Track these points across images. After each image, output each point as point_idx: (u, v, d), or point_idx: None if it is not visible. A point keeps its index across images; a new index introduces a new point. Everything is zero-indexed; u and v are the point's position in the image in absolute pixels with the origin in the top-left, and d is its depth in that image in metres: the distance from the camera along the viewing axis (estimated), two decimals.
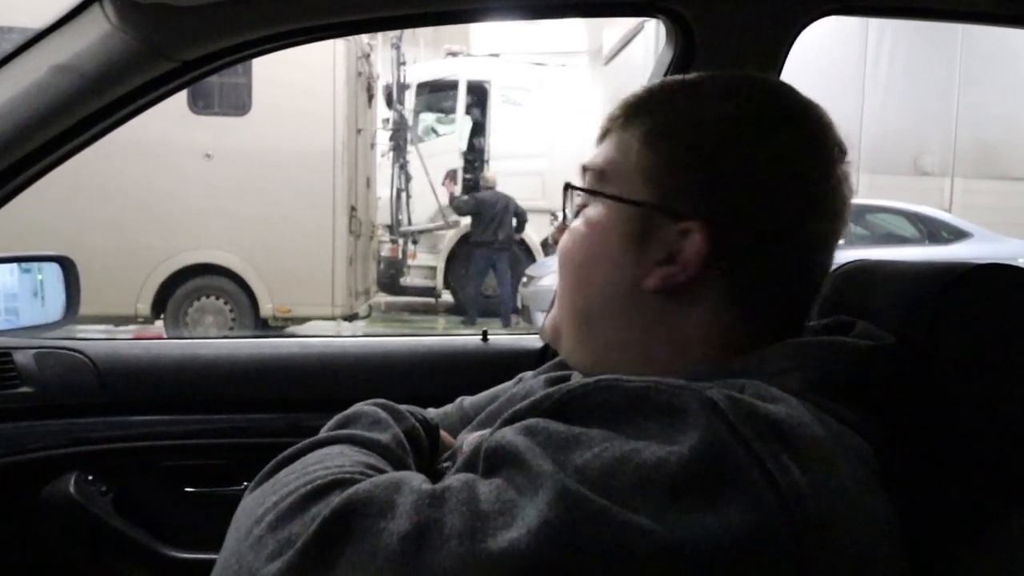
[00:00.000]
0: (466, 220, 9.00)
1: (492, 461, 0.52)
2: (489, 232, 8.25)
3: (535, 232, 9.05)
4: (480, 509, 0.47)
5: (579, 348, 0.70)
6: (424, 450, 0.71)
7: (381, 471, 0.58)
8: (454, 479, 0.51)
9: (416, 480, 0.52)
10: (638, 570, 0.45)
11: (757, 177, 0.64)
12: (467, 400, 0.90)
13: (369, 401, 0.72)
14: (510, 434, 0.52)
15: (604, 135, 0.72)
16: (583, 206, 0.70)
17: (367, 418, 0.68)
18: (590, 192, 0.70)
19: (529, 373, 0.86)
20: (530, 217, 9.01)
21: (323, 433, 0.65)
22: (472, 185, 9.06)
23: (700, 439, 0.48)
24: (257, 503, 0.54)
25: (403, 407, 0.72)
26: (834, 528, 0.49)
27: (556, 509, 0.46)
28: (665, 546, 0.45)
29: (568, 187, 0.71)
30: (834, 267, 0.82)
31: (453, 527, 0.46)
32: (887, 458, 0.57)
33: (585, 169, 0.71)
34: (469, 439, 0.71)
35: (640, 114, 0.69)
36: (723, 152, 0.64)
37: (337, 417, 0.69)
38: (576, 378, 0.74)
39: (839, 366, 0.60)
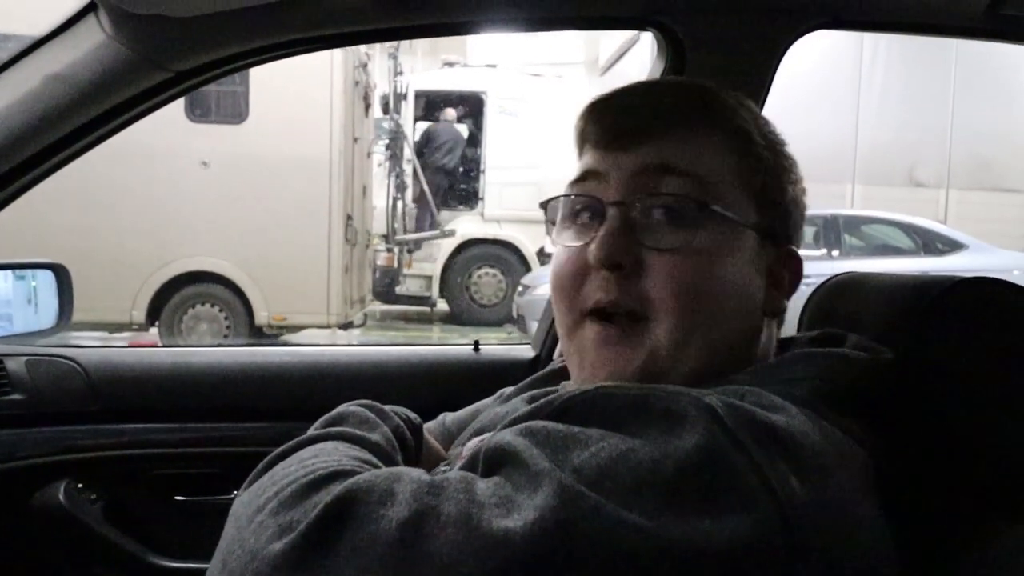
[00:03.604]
0: (461, 230, 9.01)
1: (491, 461, 0.52)
2: (437, 159, 9.05)
3: (530, 241, 9.05)
4: (477, 500, 0.48)
5: (685, 368, 0.63)
6: (410, 448, 0.71)
7: (376, 466, 0.59)
8: (453, 473, 0.52)
9: (415, 472, 0.53)
10: (630, 567, 0.46)
11: (800, 200, 0.72)
12: (449, 416, 0.90)
13: (354, 402, 0.72)
14: (509, 435, 0.53)
15: (664, 130, 0.66)
16: (692, 224, 0.63)
17: (355, 417, 0.68)
18: (725, 216, 0.64)
19: (510, 389, 0.86)
20: (525, 227, 9.01)
21: (312, 432, 0.66)
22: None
23: (697, 444, 0.49)
24: (256, 495, 0.55)
25: (387, 407, 0.72)
26: (829, 537, 0.50)
27: (552, 504, 0.46)
28: (658, 545, 0.46)
29: (707, 206, 0.63)
30: (825, 279, 0.83)
31: (450, 515, 0.47)
32: (885, 469, 0.58)
33: (667, 170, 0.64)
34: (470, 444, 0.72)
35: (717, 120, 0.68)
36: (792, 175, 0.71)
37: (324, 417, 0.69)
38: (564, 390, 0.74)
39: (846, 378, 0.61)
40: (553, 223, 0.71)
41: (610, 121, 0.69)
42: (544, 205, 0.72)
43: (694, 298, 0.63)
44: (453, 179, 9.52)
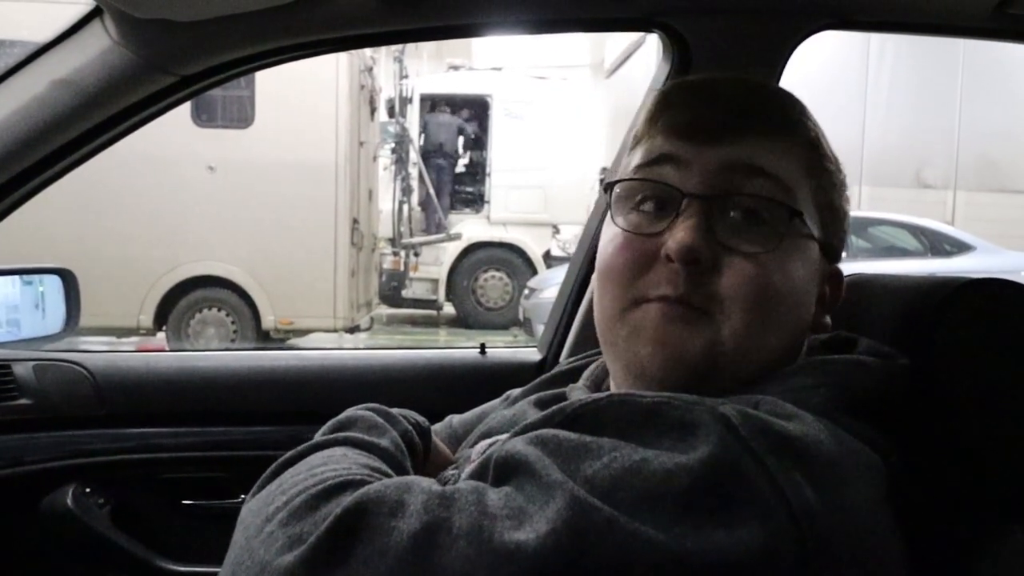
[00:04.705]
0: (468, 233, 9.03)
1: (502, 470, 0.52)
2: (435, 144, 9.43)
3: (536, 244, 9.06)
4: (488, 511, 0.48)
5: (742, 370, 0.62)
6: (419, 453, 0.71)
7: (384, 473, 0.59)
8: (464, 483, 0.52)
9: (426, 482, 0.53)
10: None
11: (849, 219, 0.71)
12: (456, 419, 0.90)
13: (362, 406, 0.71)
14: (520, 444, 0.52)
15: (753, 130, 0.63)
16: (775, 231, 0.61)
17: (364, 422, 0.67)
18: (807, 232, 0.63)
19: (516, 391, 0.85)
20: (531, 230, 9.02)
21: (320, 436, 0.65)
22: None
23: (711, 453, 0.48)
24: (265, 502, 0.54)
25: (395, 410, 0.72)
26: (842, 547, 0.49)
27: (564, 517, 0.46)
28: (671, 558, 0.46)
29: (798, 214, 0.62)
30: None
31: (461, 527, 0.47)
32: (898, 475, 0.57)
33: (757, 171, 0.62)
34: (478, 447, 0.71)
35: (798, 128, 0.66)
36: (847, 193, 0.70)
37: (332, 422, 0.69)
38: (574, 396, 0.74)
39: (862, 384, 0.60)
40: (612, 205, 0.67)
41: (696, 110, 0.65)
42: (609, 186, 0.67)
43: (765, 306, 0.61)
44: (456, 175, 9.63)
